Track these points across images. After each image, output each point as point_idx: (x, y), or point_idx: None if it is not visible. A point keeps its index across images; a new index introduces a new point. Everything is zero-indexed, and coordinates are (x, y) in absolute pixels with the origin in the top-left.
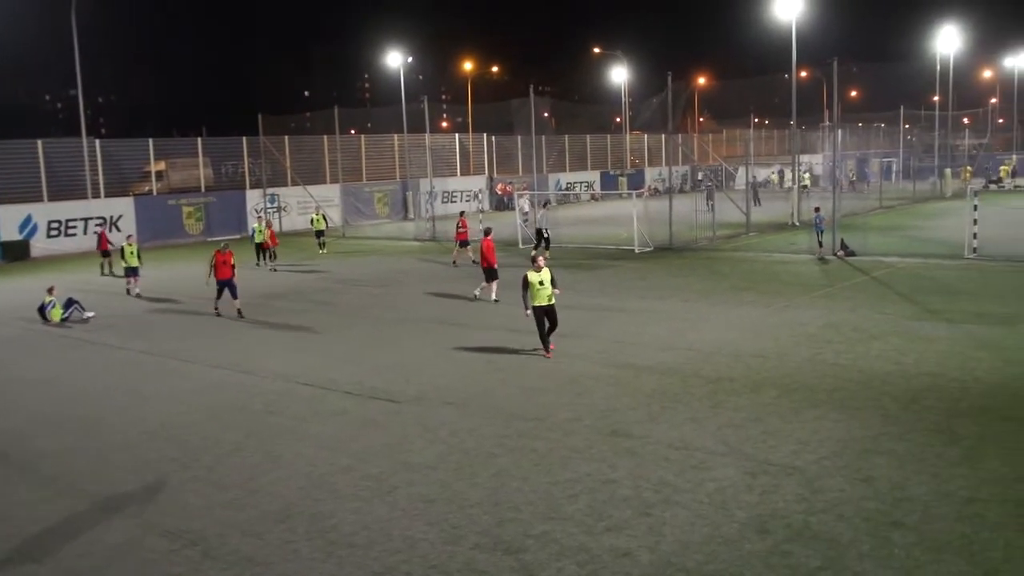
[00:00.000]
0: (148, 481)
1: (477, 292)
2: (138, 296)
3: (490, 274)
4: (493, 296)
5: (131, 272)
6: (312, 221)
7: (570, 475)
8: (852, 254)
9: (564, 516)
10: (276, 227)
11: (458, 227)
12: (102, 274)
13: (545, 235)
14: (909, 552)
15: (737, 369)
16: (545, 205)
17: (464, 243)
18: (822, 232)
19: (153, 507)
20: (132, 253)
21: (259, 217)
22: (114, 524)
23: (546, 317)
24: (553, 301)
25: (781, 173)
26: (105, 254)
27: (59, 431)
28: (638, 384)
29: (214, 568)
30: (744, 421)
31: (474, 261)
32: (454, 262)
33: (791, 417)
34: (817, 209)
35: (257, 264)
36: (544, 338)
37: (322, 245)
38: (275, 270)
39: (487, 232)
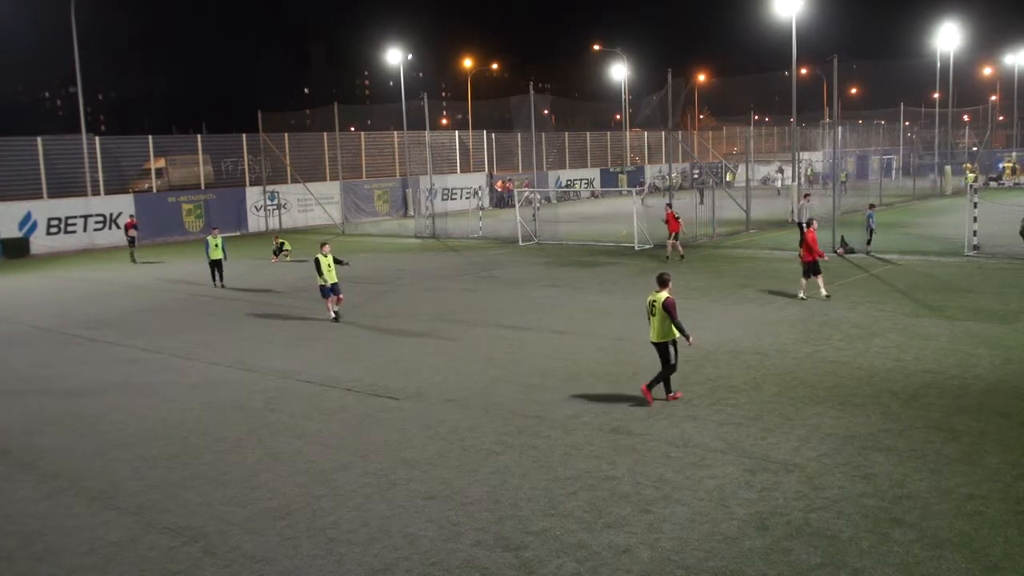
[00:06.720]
0: (148, 478)
1: (801, 294)
2: (335, 319)
3: (814, 268)
4: (823, 292)
5: (330, 291)
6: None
7: (570, 472)
8: (852, 251)
9: (564, 513)
10: (276, 224)
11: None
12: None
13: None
14: (909, 549)
15: (737, 366)
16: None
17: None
18: (872, 231)
19: (153, 504)
20: (329, 266)
21: (214, 229)
22: (114, 521)
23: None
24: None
25: (781, 170)
26: (132, 242)
27: (59, 428)
28: (638, 381)
29: (214, 565)
30: (744, 418)
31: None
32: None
33: (791, 414)
34: (872, 206)
35: (214, 285)
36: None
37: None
38: None
39: (809, 223)
